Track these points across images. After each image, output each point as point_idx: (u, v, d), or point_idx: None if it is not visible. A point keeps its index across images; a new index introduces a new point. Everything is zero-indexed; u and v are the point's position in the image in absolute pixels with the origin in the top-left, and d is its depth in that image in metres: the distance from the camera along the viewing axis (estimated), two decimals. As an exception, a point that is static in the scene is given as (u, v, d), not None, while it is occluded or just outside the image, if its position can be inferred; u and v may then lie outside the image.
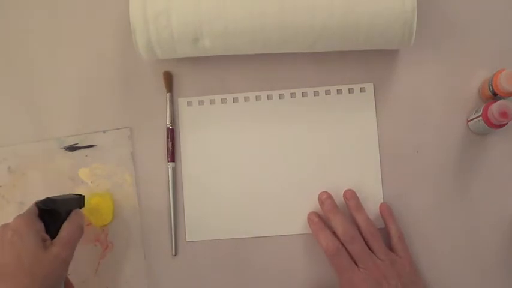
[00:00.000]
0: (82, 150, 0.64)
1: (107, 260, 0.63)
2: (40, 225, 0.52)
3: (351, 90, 0.64)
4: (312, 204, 0.63)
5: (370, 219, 0.60)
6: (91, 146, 0.64)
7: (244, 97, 0.64)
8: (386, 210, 0.61)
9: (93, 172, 0.64)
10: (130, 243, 0.63)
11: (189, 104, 0.65)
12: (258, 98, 0.64)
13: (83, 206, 0.59)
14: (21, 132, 0.65)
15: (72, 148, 0.64)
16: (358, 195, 0.62)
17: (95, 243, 0.63)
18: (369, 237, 0.59)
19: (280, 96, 0.64)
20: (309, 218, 0.62)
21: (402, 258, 0.59)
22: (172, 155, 0.63)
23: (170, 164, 0.63)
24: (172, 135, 0.64)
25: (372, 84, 0.64)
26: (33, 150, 0.64)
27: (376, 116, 0.64)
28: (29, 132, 0.65)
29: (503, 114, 0.56)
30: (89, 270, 0.63)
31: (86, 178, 0.64)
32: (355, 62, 0.64)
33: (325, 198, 0.61)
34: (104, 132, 0.64)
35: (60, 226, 0.54)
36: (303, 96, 0.64)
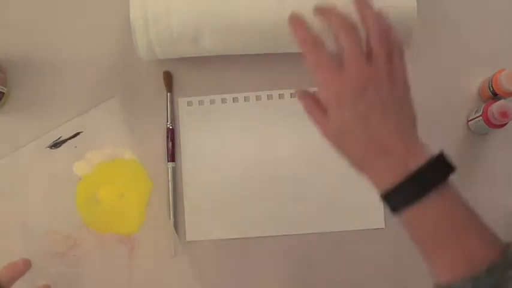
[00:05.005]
0: (68, 142, 0.57)
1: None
2: None
3: (351, 90, 0.64)
4: (312, 203, 0.63)
5: (382, 14, 0.47)
6: (77, 134, 0.57)
7: (244, 97, 0.64)
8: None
9: (90, 162, 0.57)
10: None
11: (189, 104, 0.65)
12: (258, 98, 0.64)
13: None
14: None
15: (57, 144, 0.57)
16: (358, 194, 0.62)
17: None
18: (372, 32, 0.46)
19: (280, 96, 0.64)
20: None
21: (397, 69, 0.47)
22: (172, 155, 0.63)
23: (170, 164, 0.63)
24: (172, 135, 0.64)
25: (372, 84, 0.64)
26: (13, 162, 0.57)
27: (376, 116, 0.64)
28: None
29: (503, 114, 0.56)
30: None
31: (83, 172, 0.57)
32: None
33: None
34: (87, 112, 0.55)
35: None
36: (303, 96, 0.64)
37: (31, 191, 0.58)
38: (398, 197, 0.44)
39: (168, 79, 0.64)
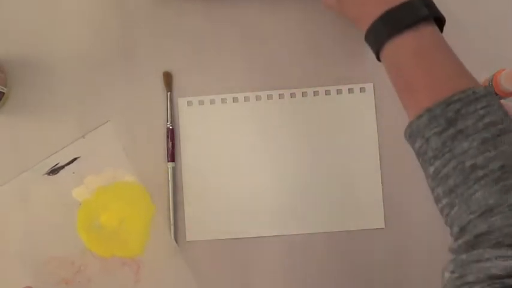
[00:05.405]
0: (66, 168, 0.56)
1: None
2: None
3: (350, 90, 0.64)
4: (312, 203, 0.63)
5: None
6: (74, 159, 0.56)
7: (244, 97, 0.64)
8: None
9: (89, 187, 0.56)
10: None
11: (189, 104, 0.65)
12: (258, 98, 0.64)
13: None
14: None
15: (54, 170, 0.56)
16: (358, 194, 0.62)
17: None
18: None
19: (280, 96, 0.64)
20: None
21: None
22: (172, 155, 0.63)
23: (170, 164, 0.63)
24: (172, 135, 0.64)
25: (372, 84, 0.64)
26: (11, 190, 0.55)
27: (376, 116, 0.64)
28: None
29: (503, 114, 0.56)
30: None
31: (83, 197, 0.56)
32: (355, 62, 0.64)
33: None
34: (83, 137, 0.56)
35: None
36: (303, 96, 0.64)
37: (31, 219, 0.57)
38: (374, 35, 0.48)
39: (168, 79, 0.64)
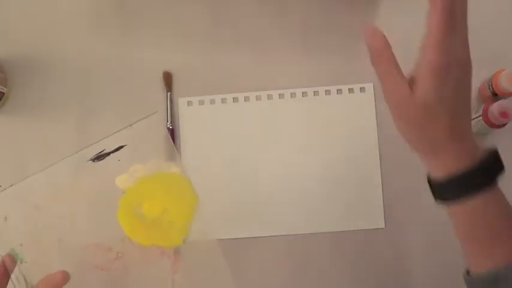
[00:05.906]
0: (112, 155, 0.55)
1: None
2: None
3: (350, 90, 0.64)
4: (312, 203, 0.63)
5: None
6: (120, 147, 0.55)
7: (244, 97, 0.64)
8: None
9: (134, 176, 0.55)
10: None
11: (189, 104, 0.65)
12: (258, 98, 0.64)
13: None
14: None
15: (100, 157, 0.55)
16: (358, 194, 0.62)
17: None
18: None
19: (280, 96, 0.64)
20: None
21: None
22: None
23: (170, 164, 0.63)
24: (172, 135, 0.64)
25: (372, 84, 0.64)
26: (55, 174, 0.55)
27: (376, 116, 0.64)
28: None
29: (503, 114, 0.56)
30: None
31: (126, 185, 0.55)
32: (355, 62, 0.64)
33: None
34: (131, 126, 0.55)
35: None
36: (303, 96, 0.64)
37: (72, 204, 0.56)
38: (458, 187, 0.42)
39: (168, 79, 0.64)
